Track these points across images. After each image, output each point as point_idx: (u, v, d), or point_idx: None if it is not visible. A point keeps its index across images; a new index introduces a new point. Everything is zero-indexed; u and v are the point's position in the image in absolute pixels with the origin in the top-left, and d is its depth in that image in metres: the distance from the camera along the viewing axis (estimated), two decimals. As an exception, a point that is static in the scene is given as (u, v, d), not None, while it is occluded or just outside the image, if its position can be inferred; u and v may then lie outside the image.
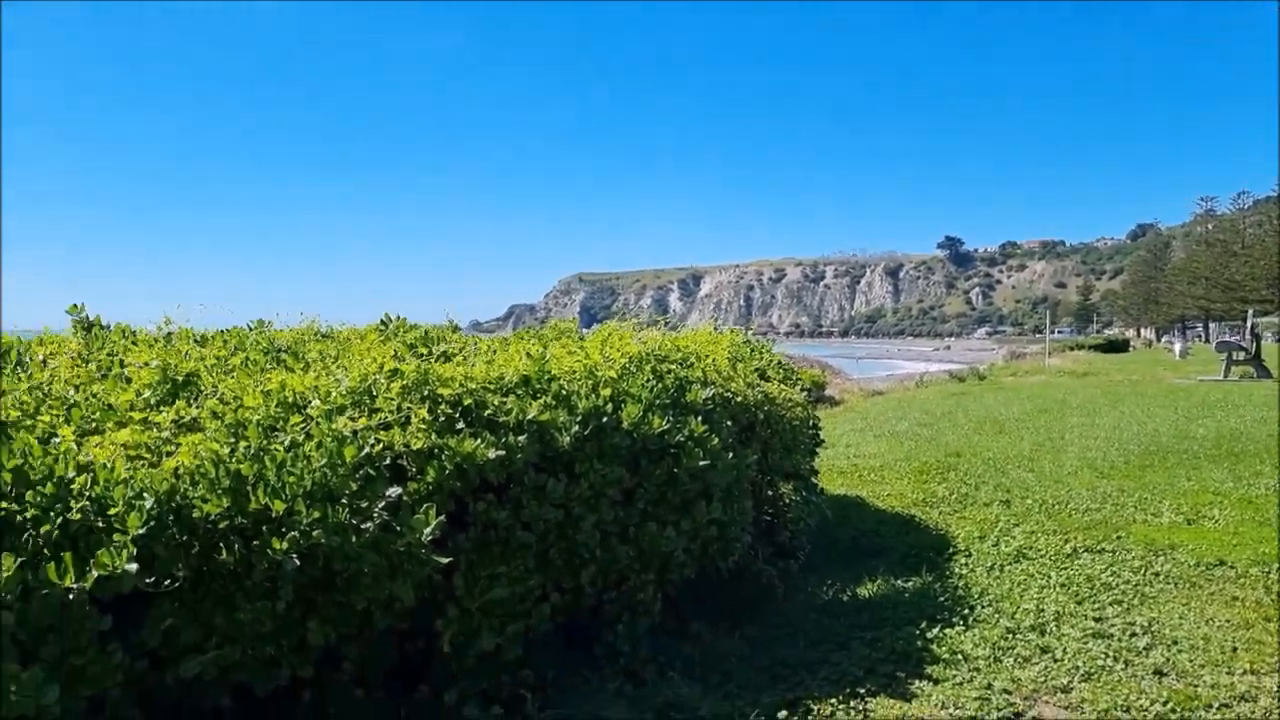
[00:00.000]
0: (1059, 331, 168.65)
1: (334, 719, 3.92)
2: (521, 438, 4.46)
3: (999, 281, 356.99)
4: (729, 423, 5.86)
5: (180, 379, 4.51)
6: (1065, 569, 7.14)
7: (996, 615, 6.02)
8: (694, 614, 5.63)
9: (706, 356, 6.61)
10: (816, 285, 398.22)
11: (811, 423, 8.03)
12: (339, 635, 3.73)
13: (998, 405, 21.03)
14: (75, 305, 5.54)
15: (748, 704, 4.59)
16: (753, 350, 8.31)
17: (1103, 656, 5.32)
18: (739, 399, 6.29)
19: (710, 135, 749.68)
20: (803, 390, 8.46)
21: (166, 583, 3.25)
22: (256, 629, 3.43)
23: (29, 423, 3.63)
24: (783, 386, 7.57)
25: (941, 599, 6.40)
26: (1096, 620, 5.91)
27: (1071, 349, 64.73)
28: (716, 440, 5.30)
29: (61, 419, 3.80)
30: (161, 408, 4.12)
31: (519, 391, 4.75)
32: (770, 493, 7.18)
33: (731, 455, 5.45)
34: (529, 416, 4.56)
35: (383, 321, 6.16)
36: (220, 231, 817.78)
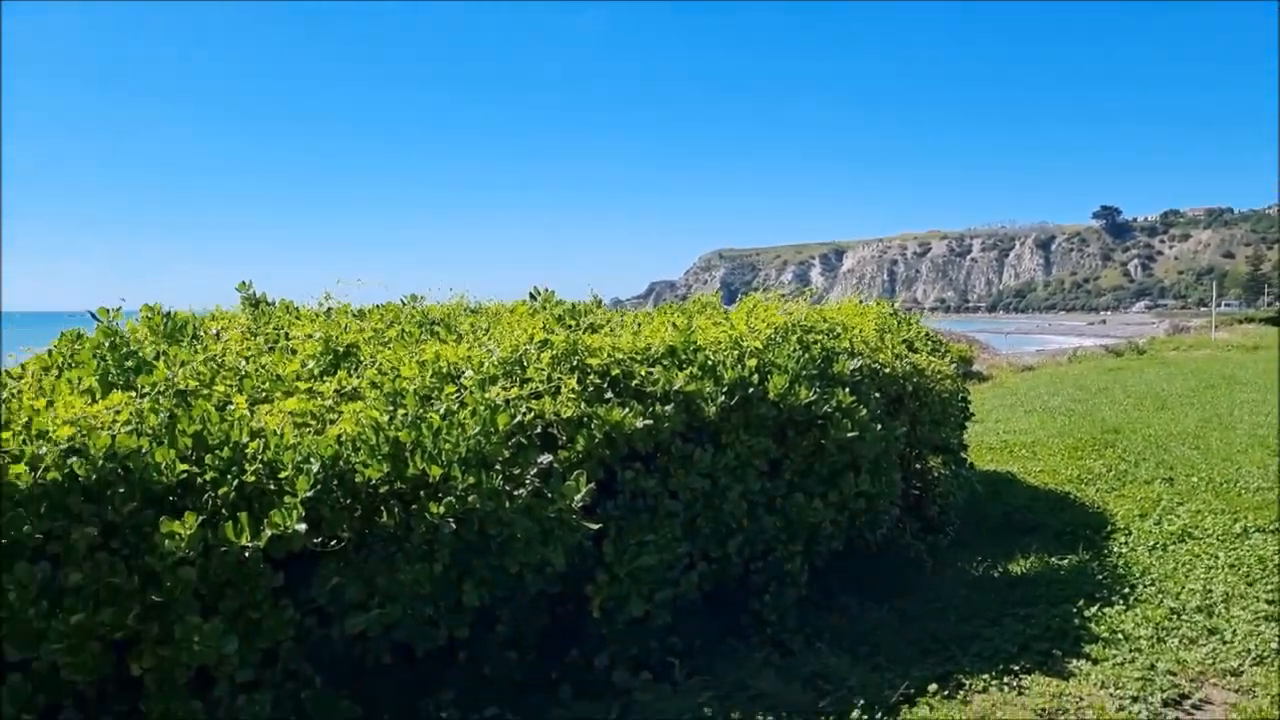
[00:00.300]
0: (1226, 304, 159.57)
1: (488, 679, 4.05)
2: (668, 407, 4.49)
3: (1160, 252, 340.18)
4: (877, 394, 5.77)
5: (341, 350, 4.70)
6: (1234, 549, 6.79)
7: (1159, 595, 5.78)
8: (841, 586, 5.59)
9: (853, 328, 6.52)
10: (962, 259, 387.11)
11: (961, 395, 7.84)
12: (493, 598, 3.84)
13: (1159, 380, 20.13)
14: (243, 283, 5.83)
15: (897, 676, 4.54)
16: (900, 322, 8.14)
17: (1276, 640, 5.05)
18: (887, 370, 6.18)
19: (852, 106, 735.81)
20: (951, 363, 8.26)
21: (332, 543, 3.41)
22: (416, 589, 3.56)
23: (206, 392, 3.86)
24: (931, 358, 7.39)
25: (1099, 577, 6.17)
26: (1269, 603, 5.61)
27: (1240, 322, 61.39)
28: (864, 411, 5.23)
29: (235, 388, 4.02)
30: (324, 378, 4.31)
31: (665, 362, 4.78)
32: (919, 466, 7.05)
33: (880, 427, 5.37)
34: (675, 386, 4.58)
35: (531, 295, 6.26)
36: (375, 213, 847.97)
